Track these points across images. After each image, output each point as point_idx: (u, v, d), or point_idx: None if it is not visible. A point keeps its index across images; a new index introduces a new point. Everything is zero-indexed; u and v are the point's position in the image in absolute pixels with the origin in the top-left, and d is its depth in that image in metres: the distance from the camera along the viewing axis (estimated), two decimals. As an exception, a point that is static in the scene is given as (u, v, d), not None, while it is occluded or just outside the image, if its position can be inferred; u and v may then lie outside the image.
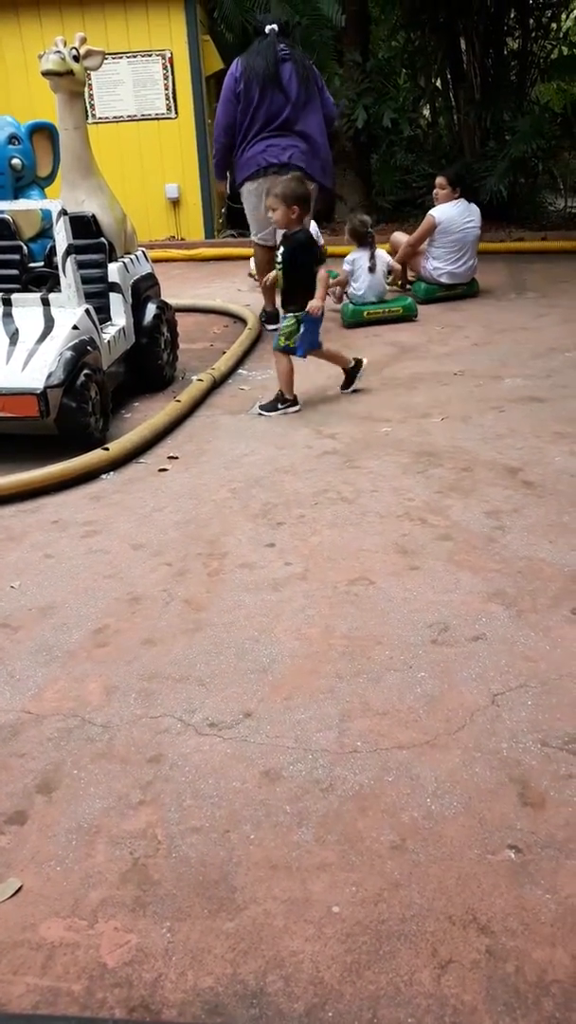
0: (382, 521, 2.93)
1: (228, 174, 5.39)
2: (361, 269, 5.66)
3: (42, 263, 4.11)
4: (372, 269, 5.64)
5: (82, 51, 4.22)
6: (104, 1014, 1.30)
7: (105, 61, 4.46)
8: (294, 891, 1.52)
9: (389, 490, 3.18)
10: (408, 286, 6.41)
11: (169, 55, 8.35)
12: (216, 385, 4.50)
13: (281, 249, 4.02)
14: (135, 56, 8.38)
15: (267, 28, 5.05)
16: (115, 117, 8.52)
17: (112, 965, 1.39)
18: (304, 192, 3.99)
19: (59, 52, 4.13)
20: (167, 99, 8.48)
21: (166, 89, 8.45)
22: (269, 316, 5.61)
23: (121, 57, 8.29)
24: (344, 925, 1.46)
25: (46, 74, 4.10)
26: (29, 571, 2.69)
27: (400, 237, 6.43)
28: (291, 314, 4.01)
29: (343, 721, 1.94)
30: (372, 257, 5.65)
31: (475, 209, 6.15)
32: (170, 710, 2.00)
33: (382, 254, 5.77)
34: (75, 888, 1.53)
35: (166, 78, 8.41)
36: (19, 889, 1.53)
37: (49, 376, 3.42)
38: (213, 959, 1.40)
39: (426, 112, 10.54)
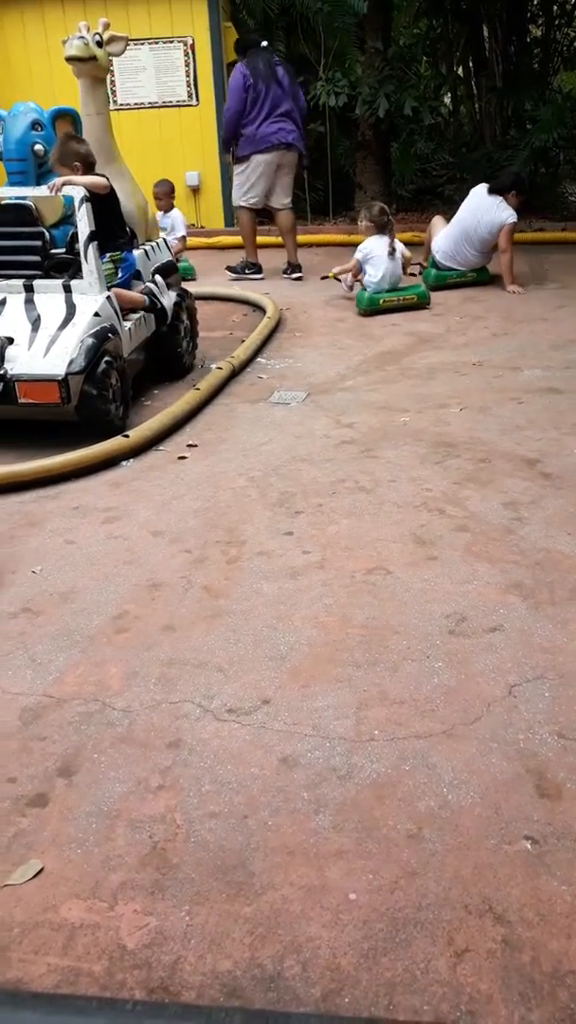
0: (399, 511, 2.93)
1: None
2: (379, 256, 5.66)
3: (63, 249, 4.12)
4: (391, 255, 5.65)
5: (105, 37, 4.21)
6: (124, 995, 1.32)
7: (128, 47, 4.45)
8: (311, 877, 1.53)
9: (407, 480, 3.17)
10: (417, 273, 6.43)
11: (191, 42, 8.30)
12: (235, 373, 4.50)
13: None
14: (157, 42, 8.33)
15: (262, 43, 6.74)
16: (136, 104, 8.49)
17: (132, 947, 1.41)
18: None
19: (82, 38, 4.13)
20: (188, 86, 8.44)
21: (187, 76, 8.41)
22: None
23: (143, 44, 8.26)
24: (361, 912, 1.47)
25: (69, 60, 4.09)
26: (50, 556, 2.71)
27: (439, 222, 6.49)
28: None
29: (360, 709, 1.95)
30: (391, 244, 5.66)
31: (492, 200, 6.11)
32: (189, 696, 2.02)
33: (398, 242, 5.78)
34: (95, 870, 1.55)
35: (187, 65, 8.37)
36: (40, 871, 1.55)
37: (70, 363, 3.43)
38: (231, 943, 1.41)
39: (447, 100, 10.45)
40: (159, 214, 6.51)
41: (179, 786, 1.74)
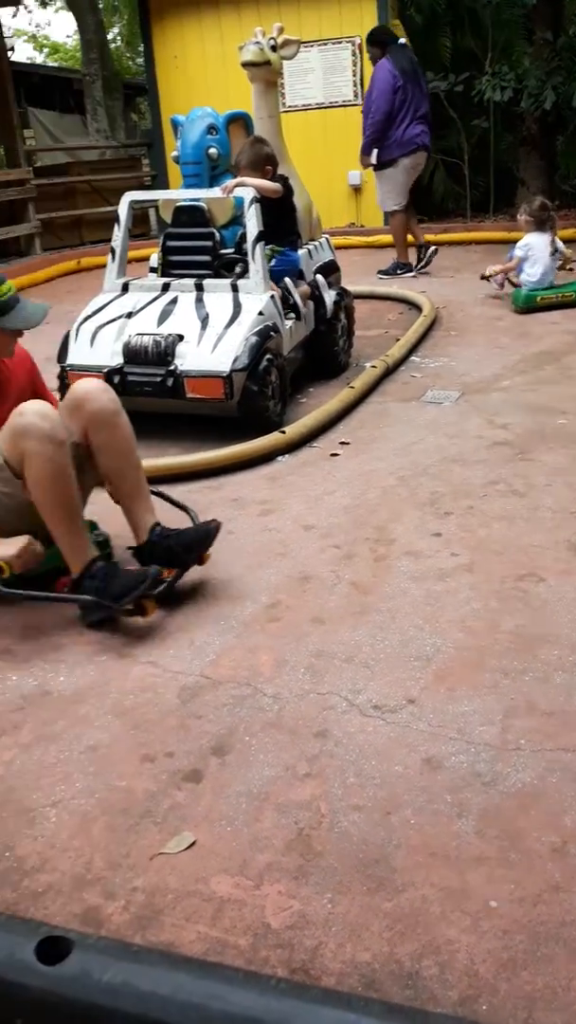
0: (554, 516, 2.85)
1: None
2: (541, 253, 5.50)
3: (232, 249, 4.26)
4: (553, 254, 5.50)
5: (279, 40, 4.32)
6: (267, 971, 1.38)
7: (299, 50, 4.54)
8: (452, 881, 1.53)
9: (563, 485, 3.08)
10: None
11: (359, 41, 8.35)
12: (389, 372, 4.51)
13: None
14: (326, 44, 8.44)
15: (400, 41, 6.66)
16: (303, 105, 8.64)
17: (276, 927, 1.47)
18: None
19: (258, 43, 4.26)
20: (355, 85, 8.50)
21: (354, 76, 8.47)
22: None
23: (312, 45, 8.39)
24: (501, 921, 1.46)
25: (245, 65, 4.23)
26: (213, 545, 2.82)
27: None
28: None
29: (507, 718, 1.92)
30: (553, 241, 5.51)
31: None
32: (336, 688, 2.06)
33: (558, 240, 5.62)
34: (244, 849, 1.62)
35: (354, 64, 8.43)
36: (193, 843, 1.64)
37: (235, 360, 3.56)
38: (370, 935, 1.44)
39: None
40: None
41: (325, 776, 1.78)
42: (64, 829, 1.70)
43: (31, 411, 2.33)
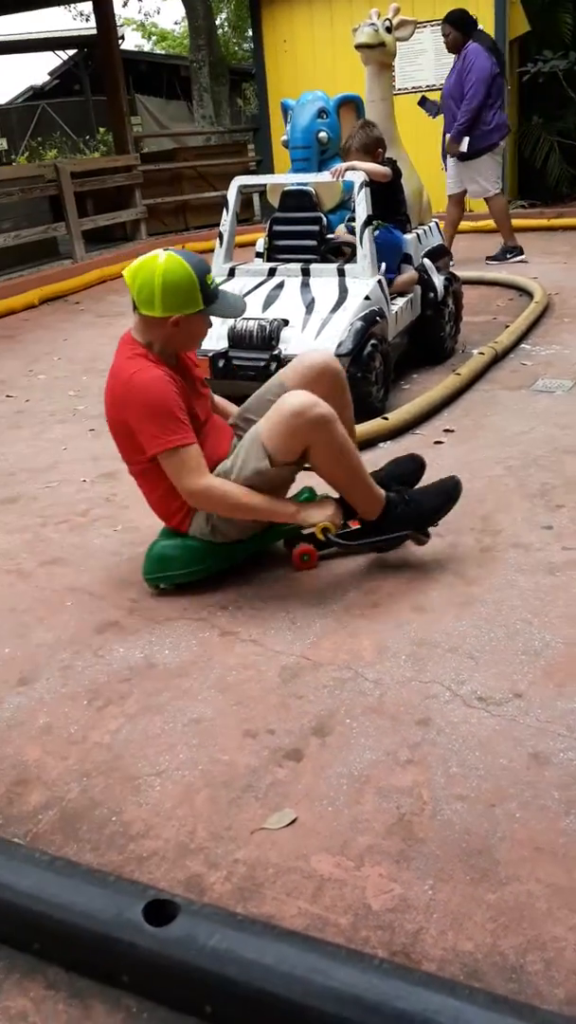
0: None
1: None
2: None
3: (343, 227, 4.24)
4: None
5: (395, 22, 4.26)
6: (368, 952, 1.38)
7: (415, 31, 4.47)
8: (559, 878, 1.50)
9: None
10: None
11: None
12: (497, 359, 4.41)
13: None
14: (440, 24, 8.26)
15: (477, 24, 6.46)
16: (413, 87, 8.49)
17: (376, 908, 1.47)
18: None
19: (373, 24, 4.21)
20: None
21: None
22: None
23: (425, 26, 8.21)
24: (611, 923, 1.41)
25: (359, 47, 4.18)
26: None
27: None
28: None
29: (619, 718, 1.86)
30: None
31: None
32: (439, 678, 2.03)
33: None
34: (344, 830, 1.62)
35: (469, 44, 8.20)
36: (294, 820, 1.65)
37: (339, 345, 3.55)
38: (473, 926, 1.42)
39: None
40: None
41: (427, 763, 1.77)
42: (168, 798, 1.75)
43: (309, 402, 2.34)
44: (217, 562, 2.53)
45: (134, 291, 2.35)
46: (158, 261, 2.31)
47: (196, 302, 2.35)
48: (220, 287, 2.47)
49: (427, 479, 3.13)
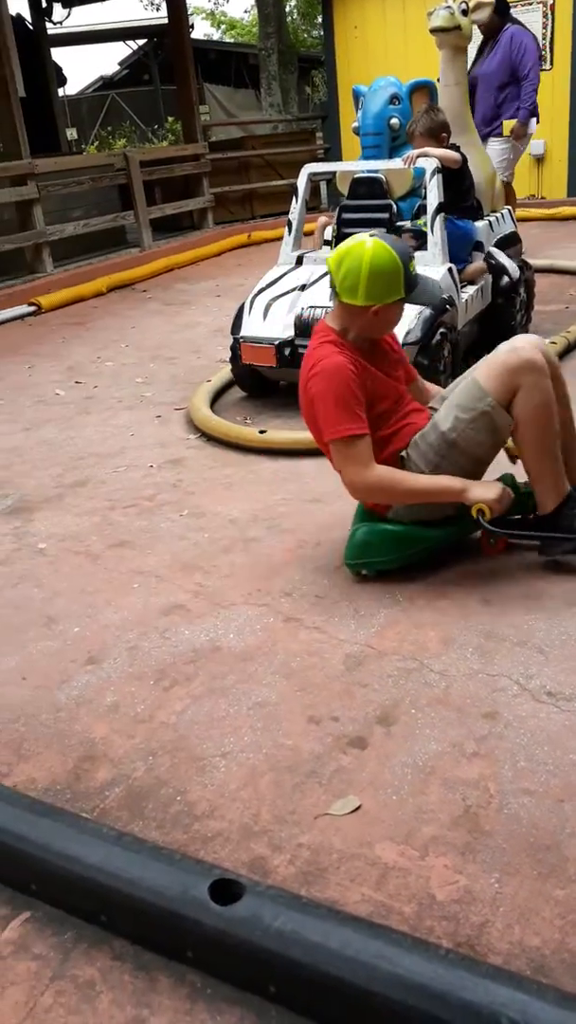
0: None
1: None
2: None
3: (409, 222, 4.19)
4: None
5: (471, 4, 4.18)
6: (432, 941, 1.37)
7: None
8: (630, 878, 1.46)
9: None
10: None
11: (551, 2, 7.95)
12: (570, 349, 4.30)
13: None
14: (515, 6, 8.07)
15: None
16: (486, 71, 8.33)
17: (441, 899, 1.45)
18: None
19: (448, 7, 4.14)
20: (543, 49, 8.11)
21: (543, 39, 8.07)
22: None
23: (501, 8, 8.06)
24: None
25: (434, 30, 4.12)
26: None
27: None
28: None
29: None
30: None
31: None
32: (507, 671, 2.00)
33: None
34: (409, 819, 1.62)
35: (545, 27, 8.03)
36: (358, 807, 1.65)
37: (407, 333, 3.51)
38: (541, 921, 1.40)
39: None
40: None
41: (494, 756, 1.74)
42: (233, 780, 1.76)
43: (530, 344, 2.32)
44: (415, 551, 2.47)
45: (338, 278, 2.32)
46: (365, 247, 2.28)
47: (398, 290, 2.32)
48: (412, 272, 2.36)
49: (497, 469, 3.09)
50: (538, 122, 6.23)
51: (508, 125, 6.08)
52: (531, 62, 6.02)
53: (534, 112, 6.02)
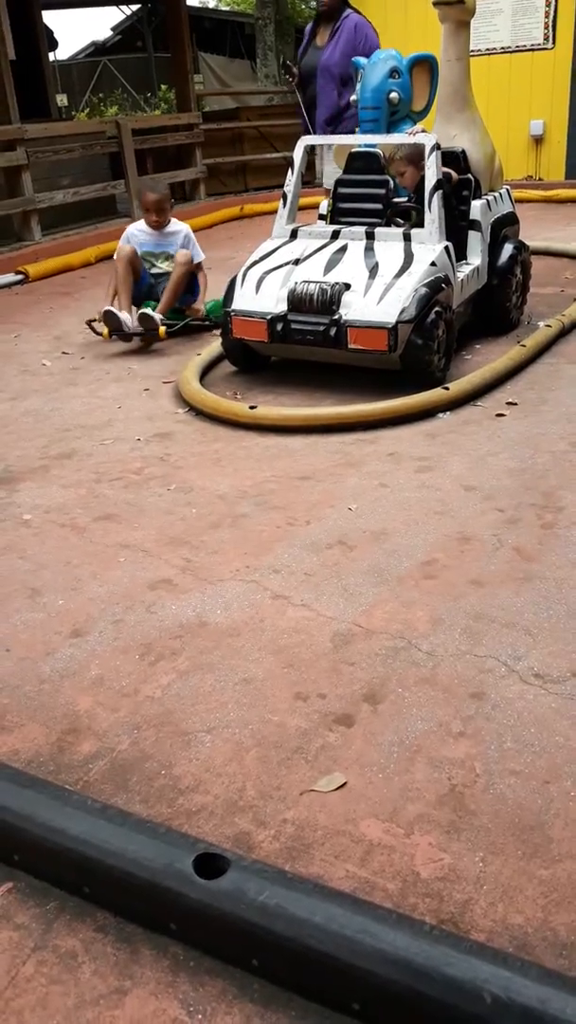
0: None
1: None
2: None
3: (406, 198, 4.15)
4: None
5: (475, -23, 4.11)
6: (416, 917, 1.37)
7: (496, -13, 4.31)
8: (613, 859, 1.47)
9: None
10: None
11: (555, -21, 7.85)
12: (564, 332, 4.30)
13: None
14: (517, -19, 7.99)
15: None
16: (488, 49, 8.25)
17: (425, 876, 1.46)
18: None
19: (452, -20, 4.06)
20: (546, 28, 8.02)
21: (546, 17, 7.98)
22: None
23: (504, -17, 7.97)
24: None
25: (437, 4, 4.05)
26: (365, 497, 2.81)
27: None
28: None
29: None
30: None
31: None
32: (494, 652, 2.00)
33: None
34: (394, 797, 1.61)
35: (548, 4, 7.94)
36: (343, 784, 1.65)
37: (402, 312, 3.48)
38: (524, 899, 1.41)
39: None
40: (149, 233, 4.96)
41: (480, 737, 1.74)
42: (218, 755, 1.75)
43: None
44: None
45: None
46: None
47: None
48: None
49: (490, 451, 3.08)
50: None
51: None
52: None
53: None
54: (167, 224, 4.96)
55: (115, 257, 4.89)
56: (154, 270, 4.96)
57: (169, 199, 4.98)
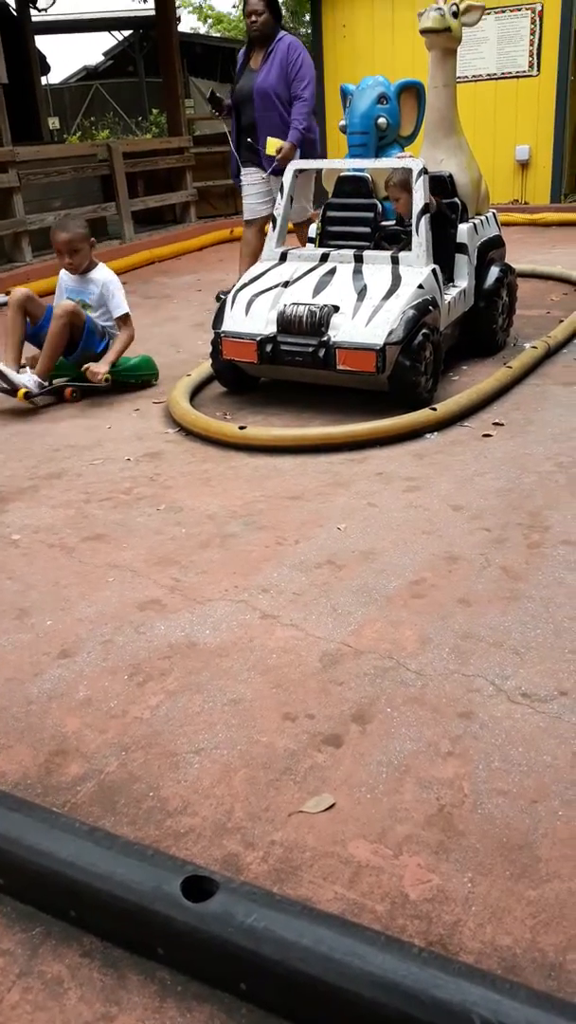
0: None
1: None
2: None
3: (393, 221, 4.20)
4: None
5: (462, 7, 4.19)
6: (404, 939, 1.37)
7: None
8: (601, 879, 1.47)
9: None
10: None
11: (540, 8, 8.00)
12: (550, 354, 4.34)
13: None
14: (503, 11, 8.13)
15: None
16: (474, 76, 8.38)
17: (414, 898, 1.45)
18: None
19: (439, 9, 4.15)
20: (531, 56, 8.16)
21: (531, 45, 8.12)
22: None
23: (490, 13, 8.10)
24: None
25: (424, 31, 4.12)
26: (354, 516, 2.82)
27: None
28: None
29: None
30: None
31: None
32: (482, 671, 2.01)
33: None
34: (383, 818, 1.61)
35: (532, 33, 8.09)
36: (332, 806, 1.64)
37: (389, 333, 3.51)
38: (512, 920, 1.41)
39: None
40: (71, 277, 4.38)
41: (468, 756, 1.75)
42: (206, 776, 1.75)
43: None
44: None
45: None
46: None
47: None
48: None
49: (477, 471, 3.10)
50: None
51: (274, 143, 5.27)
52: (309, 77, 5.16)
53: (305, 136, 5.26)
54: (91, 268, 4.31)
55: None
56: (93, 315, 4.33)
57: (86, 239, 4.22)
